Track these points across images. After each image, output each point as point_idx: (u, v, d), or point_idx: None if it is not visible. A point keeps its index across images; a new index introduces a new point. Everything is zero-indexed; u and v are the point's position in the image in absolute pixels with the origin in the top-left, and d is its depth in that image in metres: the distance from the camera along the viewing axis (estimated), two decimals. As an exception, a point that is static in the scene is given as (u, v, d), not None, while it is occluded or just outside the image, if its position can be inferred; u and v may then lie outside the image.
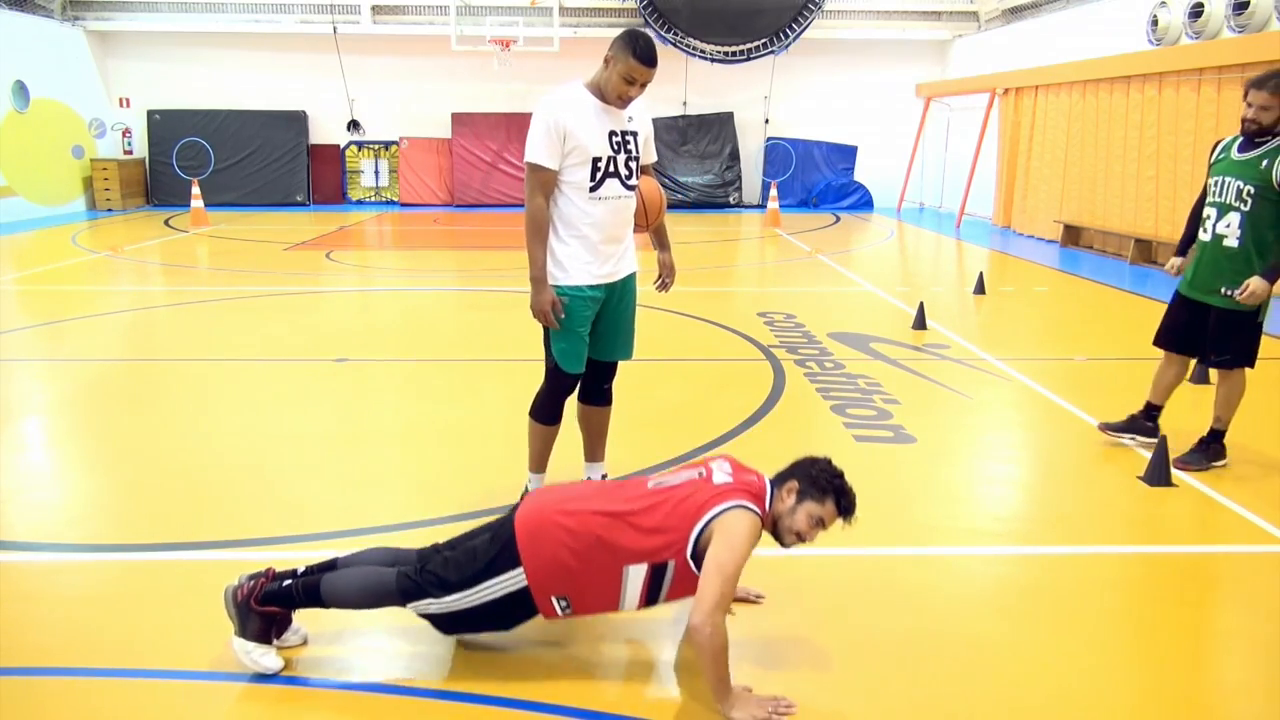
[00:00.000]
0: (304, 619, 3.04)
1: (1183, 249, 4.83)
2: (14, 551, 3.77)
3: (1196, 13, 11.53)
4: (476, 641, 3.07)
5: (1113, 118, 13.12)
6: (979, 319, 8.69)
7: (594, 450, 4.14)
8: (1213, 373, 4.98)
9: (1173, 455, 4.59)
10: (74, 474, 4.76)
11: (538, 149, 3.60)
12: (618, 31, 3.65)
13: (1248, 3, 10.58)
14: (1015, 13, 17.48)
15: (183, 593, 3.43)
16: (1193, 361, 4.87)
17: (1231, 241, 4.45)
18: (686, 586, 2.83)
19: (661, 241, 4.16)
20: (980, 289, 9.63)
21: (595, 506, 2.87)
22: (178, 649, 3.03)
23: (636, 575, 2.81)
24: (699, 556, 2.78)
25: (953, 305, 9.15)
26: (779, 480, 2.96)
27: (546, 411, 3.96)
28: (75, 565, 3.67)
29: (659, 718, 2.72)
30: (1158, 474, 4.49)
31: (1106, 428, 4.96)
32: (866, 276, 10.92)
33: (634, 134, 3.75)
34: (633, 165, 3.76)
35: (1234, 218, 4.44)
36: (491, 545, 2.86)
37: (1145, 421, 4.93)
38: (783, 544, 2.93)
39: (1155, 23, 12.27)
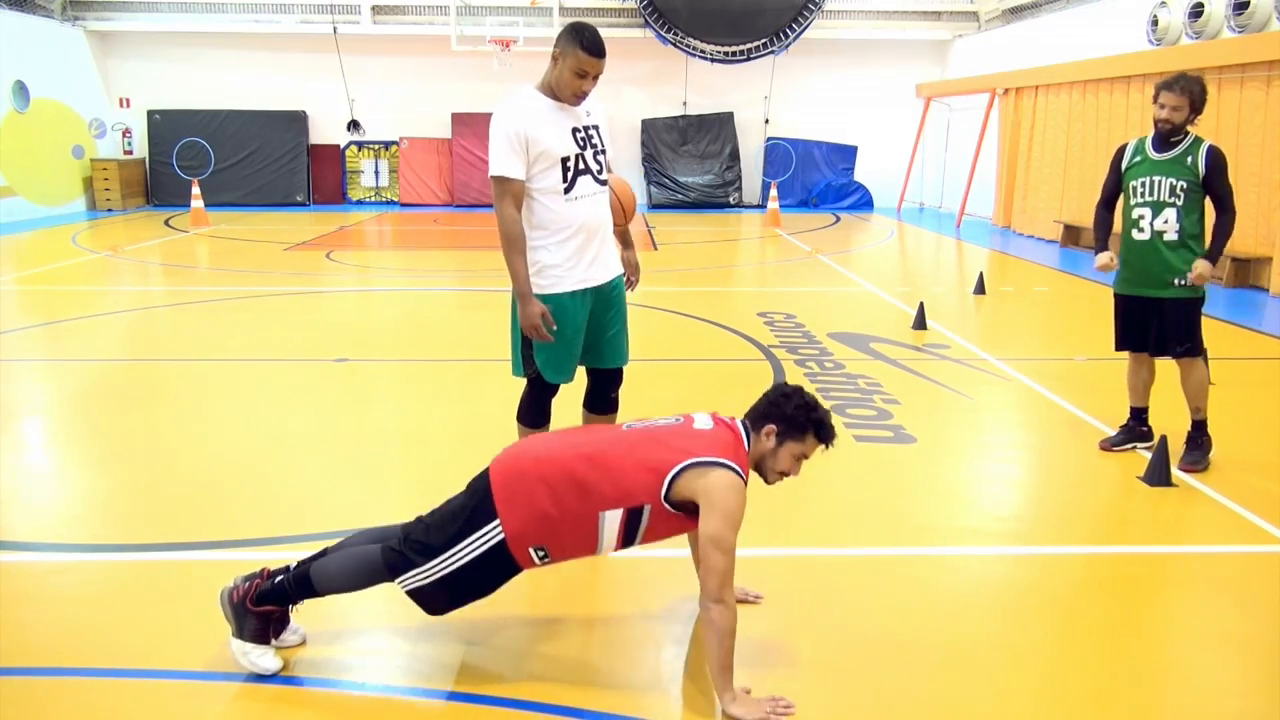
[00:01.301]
0: (302, 619, 3.04)
1: (1103, 244, 5.04)
2: (14, 551, 3.77)
3: (1196, 13, 11.52)
4: (477, 640, 3.07)
5: (1113, 118, 13.11)
6: (979, 319, 8.69)
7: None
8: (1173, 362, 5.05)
9: (1173, 456, 4.59)
10: (74, 474, 4.76)
11: (502, 161, 3.51)
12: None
13: (1248, 3, 10.57)
14: (1015, 13, 17.48)
15: (182, 593, 3.43)
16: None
17: (1171, 235, 4.70)
18: (663, 529, 2.84)
19: (625, 240, 4.07)
20: (980, 289, 9.63)
21: (570, 451, 2.85)
22: (177, 649, 3.03)
23: (612, 519, 2.79)
24: (675, 500, 2.77)
25: (953, 305, 9.15)
26: (755, 421, 2.90)
27: (533, 416, 3.93)
28: (75, 565, 3.67)
29: (659, 718, 2.72)
30: (1158, 474, 4.50)
31: (1108, 445, 4.97)
32: (866, 276, 10.92)
33: (595, 127, 3.70)
34: (601, 159, 3.70)
35: (1170, 213, 4.68)
36: (468, 500, 2.85)
37: (1139, 427, 4.98)
38: (767, 481, 2.94)
39: (1155, 23, 12.27)
